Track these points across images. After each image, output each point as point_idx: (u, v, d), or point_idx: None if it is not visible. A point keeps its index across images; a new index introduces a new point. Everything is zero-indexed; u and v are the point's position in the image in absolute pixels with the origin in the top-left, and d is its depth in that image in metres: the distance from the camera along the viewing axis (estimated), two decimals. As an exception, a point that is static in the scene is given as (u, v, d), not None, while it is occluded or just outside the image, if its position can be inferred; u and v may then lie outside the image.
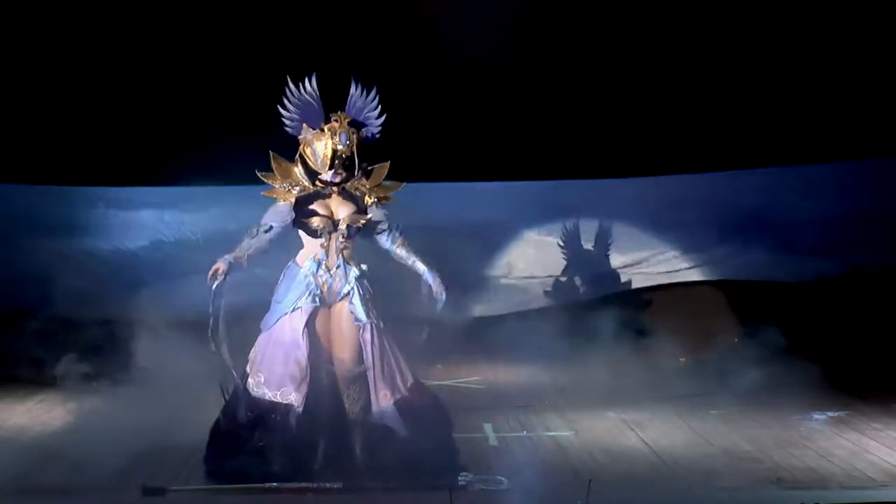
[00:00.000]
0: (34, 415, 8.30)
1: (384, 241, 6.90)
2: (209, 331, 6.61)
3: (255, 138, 7.18)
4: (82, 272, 10.36)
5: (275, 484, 6.34)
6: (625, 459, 7.05)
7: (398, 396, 6.72)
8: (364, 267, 6.79)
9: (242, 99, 9.88)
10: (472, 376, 9.75)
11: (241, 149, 7.62)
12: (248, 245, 6.71)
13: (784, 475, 6.61)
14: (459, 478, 6.41)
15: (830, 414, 8.11)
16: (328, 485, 6.34)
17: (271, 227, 6.75)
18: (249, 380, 6.70)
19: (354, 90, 6.84)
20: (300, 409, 6.59)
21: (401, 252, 6.89)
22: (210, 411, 6.92)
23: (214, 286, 6.58)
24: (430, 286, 6.81)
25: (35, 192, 10.97)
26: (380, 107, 6.86)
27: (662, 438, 7.55)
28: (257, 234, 6.74)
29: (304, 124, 6.76)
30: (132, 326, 8.00)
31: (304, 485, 6.33)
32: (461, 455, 6.81)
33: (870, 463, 6.87)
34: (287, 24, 10.46)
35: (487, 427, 7.90)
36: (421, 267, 6.85)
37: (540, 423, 8.04)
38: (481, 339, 10.03)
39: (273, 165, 6.84)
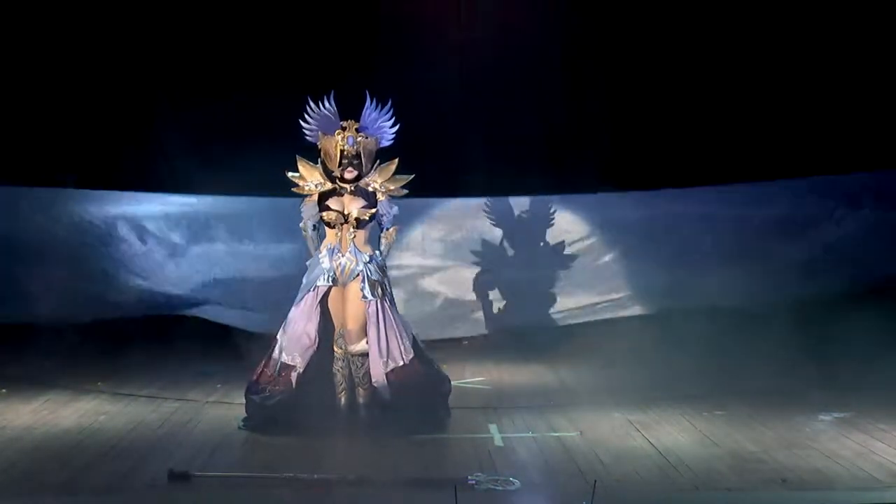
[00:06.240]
0: (40, 415, 8.32)
1: (381, 229, 8.13)
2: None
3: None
4: None
5: (292, 474, 6.61)
6: (630, 460, 7.05)
7: (391, 367, 7.85)
8: (376, 252, 8.04)
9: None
10: (478, 377, 9.75)
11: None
12: (314, 242, 8.07)
13: (789, 476, 6.61)
14: (469, 478, 6.44)
15: (836, 415, 8.11)
16: (341, 476, 6.56)
17: (314, 226, 8.07)
18: (276, 343, 7.95)
19: (369, 104, 8.00)
20: (301, 370, 7.87)
21: (382, 241, 8.14)
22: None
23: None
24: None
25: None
26: (394, 118, 8.02)
27: (668, 439, 7.55)
28: (311, 232, 8.07)
29: (320, 132, 8.00)
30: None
31: (319, 475, 6.58)
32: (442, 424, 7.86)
33: (875, 464, 6.86)
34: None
35: (493, 428, 7.91)
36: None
37: (545, 423, 8.06)
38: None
39: (299, 167, 8.08)
